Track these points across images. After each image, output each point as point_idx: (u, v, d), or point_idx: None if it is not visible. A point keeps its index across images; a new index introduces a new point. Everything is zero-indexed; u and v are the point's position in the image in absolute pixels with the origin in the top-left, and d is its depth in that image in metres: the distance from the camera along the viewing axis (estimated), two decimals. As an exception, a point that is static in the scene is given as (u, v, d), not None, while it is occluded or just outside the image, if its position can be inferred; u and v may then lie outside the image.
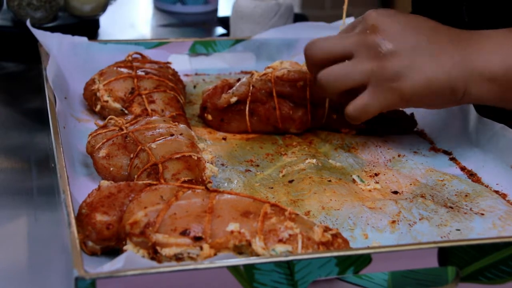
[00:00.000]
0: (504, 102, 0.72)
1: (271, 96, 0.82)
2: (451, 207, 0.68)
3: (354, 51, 0.72)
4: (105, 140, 0.70)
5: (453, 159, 0.79)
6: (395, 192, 0.71)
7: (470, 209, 0.68)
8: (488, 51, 0.70)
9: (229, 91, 0.82)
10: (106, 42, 0.97)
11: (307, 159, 0.76)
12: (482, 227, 0.65)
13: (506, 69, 0.69)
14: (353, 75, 0.71)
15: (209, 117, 0.83)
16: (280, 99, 0.82)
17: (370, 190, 0.71)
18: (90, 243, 0.58)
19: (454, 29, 0.73)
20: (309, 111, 0.82)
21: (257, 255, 0.54)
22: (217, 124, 0.84)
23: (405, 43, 0.70)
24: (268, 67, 0.84)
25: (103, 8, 1.19)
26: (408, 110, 0.85)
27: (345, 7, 0.85)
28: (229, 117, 0.83)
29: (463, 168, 0.77)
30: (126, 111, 0.81)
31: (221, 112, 0.83)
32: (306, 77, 0.81)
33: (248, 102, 0.82)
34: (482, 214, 0.67)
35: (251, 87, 0.81)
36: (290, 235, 0.55)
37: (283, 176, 0.74)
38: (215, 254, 0.54)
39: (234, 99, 0.82)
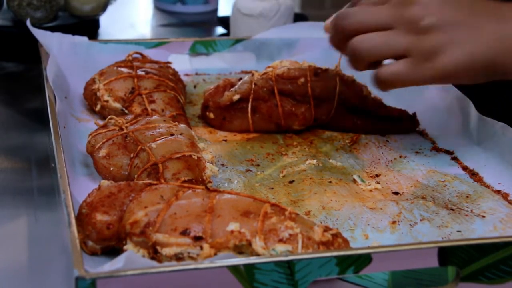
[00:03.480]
0: None
1: (273, 93, 0.82)
2: (452, 209, 0.68)
3: (392, 24, 0.69)
4: (105, 139, 0.70)
5: (454, 158, 0.79)
6: (396, 193, 0.71)
7: (471, 211, 0.68)
8: None
9: (231, 89, 0.82)
10: (106, 42, 0.97)
11: (307, 159, 0.76)
12: (483, 229, 0.65)
13: None
14: (392, 44, 0.68)
15: (211, 115, 0.83)
16: (282, 96, 0.82)
17: (370, 190, 0.71)
18: (90, 243, 0.58)
19: (493, 1, 0.69)
20: (312, 107, 0.82)
21: (257, 255, 0.54)
22: (219, 123, 0.83)
23: (444, 17, 0.67)
24: (269, 67, 0.84)
25: (103, 8, 1.19)
26: (410, 110, 0.85)
27: None
28: (231, 115, 0.83)
29: (464, 168, 0.77)
30: (126, 111, 0.81)
31: (223, 110, 0.83)
32: (306, 74, 0.81)
33: (250, 100, 0.82)
34: (483, 217, 0.67)
35: (253, 85, 0.81)
36: (290, 234, 0.54)
37: (283, 176, 0.73)
38: (215, 254, 0.54)
39: (236, 97, 0.82)
